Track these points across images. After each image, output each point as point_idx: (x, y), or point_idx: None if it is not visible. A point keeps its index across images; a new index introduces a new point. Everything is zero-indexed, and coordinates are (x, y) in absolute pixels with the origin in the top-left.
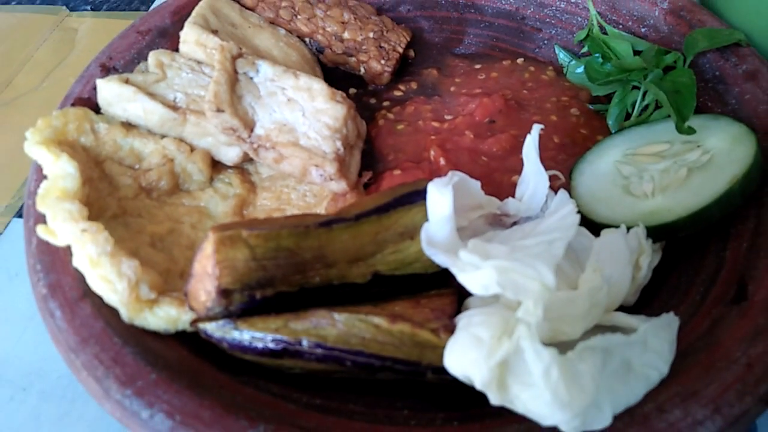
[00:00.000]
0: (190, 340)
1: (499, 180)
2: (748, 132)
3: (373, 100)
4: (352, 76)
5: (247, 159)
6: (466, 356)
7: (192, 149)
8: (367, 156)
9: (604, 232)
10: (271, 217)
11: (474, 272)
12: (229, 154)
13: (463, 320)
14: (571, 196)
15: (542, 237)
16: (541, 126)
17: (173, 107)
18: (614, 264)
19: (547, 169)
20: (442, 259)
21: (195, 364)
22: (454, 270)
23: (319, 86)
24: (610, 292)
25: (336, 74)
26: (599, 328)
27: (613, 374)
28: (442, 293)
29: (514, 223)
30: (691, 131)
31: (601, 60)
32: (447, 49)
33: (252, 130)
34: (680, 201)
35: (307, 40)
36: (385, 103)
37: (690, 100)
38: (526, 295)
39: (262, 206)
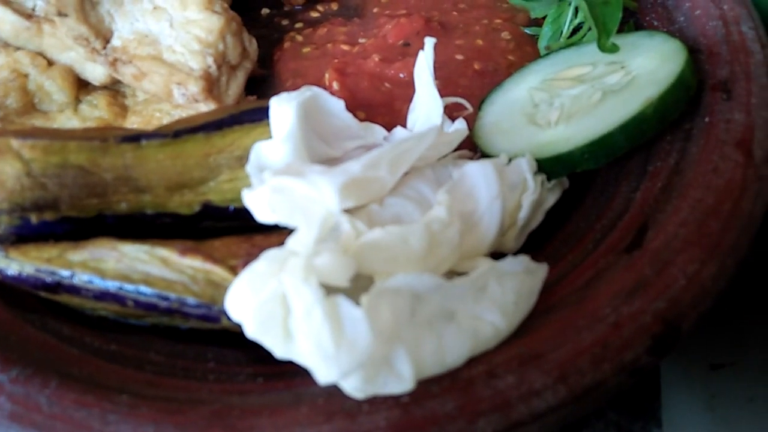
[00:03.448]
0: None
1: (399, 109)
2: (680, 48)
3: (285, 22)
4: None
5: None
6: (238, 295)
7: (51, 65)
8: (265, 81)
9: (473, 162)
10: (64, 128)
11: (253, 191)
12: (96, 72)
13: (264, 254)
14: (472, 128)
15: (367, 154)
16: (434, 40)
17: (28, 15)
18: (476, 198)
19: (459, 97)
20: (255, 181)
21: None
22: (244, 192)
23: None
24: (471, 233)
25: None
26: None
27: (425, 326)
28: (288, 231)
29: None
30: (613, 49)
31: None
32: None
33: (108, 41)
34: (582, 128)
35: None
36: (298, 25)
37: (616, 12)
38: (303, 221)
39: None
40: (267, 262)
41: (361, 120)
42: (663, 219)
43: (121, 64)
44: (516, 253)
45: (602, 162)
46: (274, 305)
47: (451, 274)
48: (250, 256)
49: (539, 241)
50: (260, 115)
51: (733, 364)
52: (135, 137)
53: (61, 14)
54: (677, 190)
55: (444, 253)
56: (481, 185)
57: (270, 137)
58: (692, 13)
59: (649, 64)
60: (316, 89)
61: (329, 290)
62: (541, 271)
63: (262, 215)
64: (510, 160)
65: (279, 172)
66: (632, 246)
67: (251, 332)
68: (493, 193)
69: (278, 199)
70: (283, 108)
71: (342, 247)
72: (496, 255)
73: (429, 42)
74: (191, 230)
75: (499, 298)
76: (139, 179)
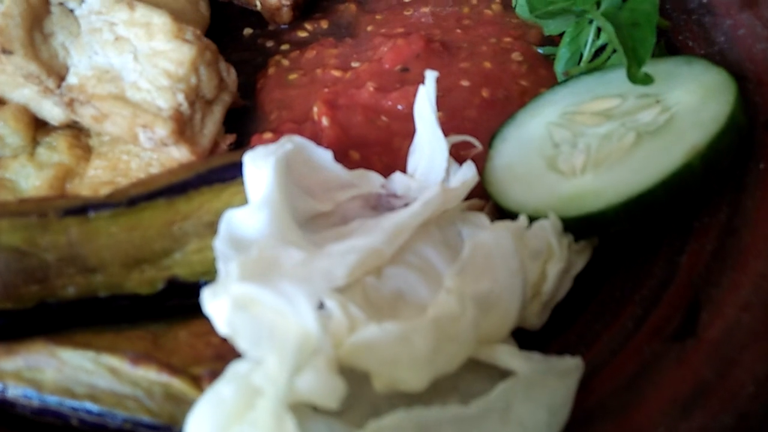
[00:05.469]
0: None
1: (399, 147)
2: (728, 81)
3: (270, 43)
4: (250, 13)
5: None
6: (199, 428)
7: (3, 104)
8: (247, 114)
9: (487, 230)
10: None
11: (214, 301)
12: (54, 111)
13: (235, 365)
14: (482, 170)
15: (353, 241)
16: (436, 73)
17: None
18: (494, 275)
19: (466, 133)
20: (222, 268)
21: None
22: (205, 292)
23: (161, 20)
24: (488, 316)
25: (231, 11)
26: (476, 368)
27: None
28: None
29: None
30: (647, 80)
31: None
32: None
33: (63, 79)
34: (615, 181)
35: None
36: (284, 47)
37: (649, 36)
38: (272, 346)
39: (92, 178)
40: (234, 388)
41: (356, 161)
42: (718, 297)
43: (78, 104)
44: (542, 329)
45: (639, 223)
46: None
47: (468, 361)
48: (219, 361)
49: (567, 312)
50: (232, 173)
51: None
52: (80, 209)
53: (6, 51)
54: (733, 258)
55: (455, 350)
56: (498, 259)
57: (243, 197)
58: (734, 32)
59: (690, 100)
60: (297, 140)
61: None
62: (575, 371)
63: (223, 332)
64: (530, 219)
65: (245, 275)
66: (684, 332)
67: None
68: (513, 268)
69: (241, 319)
70: (258, 167)
71: (333, 343)
72: (517, 331)
73: (430, 75)
74: (153, 310)
75: (529, 419)
76: (88, 258)
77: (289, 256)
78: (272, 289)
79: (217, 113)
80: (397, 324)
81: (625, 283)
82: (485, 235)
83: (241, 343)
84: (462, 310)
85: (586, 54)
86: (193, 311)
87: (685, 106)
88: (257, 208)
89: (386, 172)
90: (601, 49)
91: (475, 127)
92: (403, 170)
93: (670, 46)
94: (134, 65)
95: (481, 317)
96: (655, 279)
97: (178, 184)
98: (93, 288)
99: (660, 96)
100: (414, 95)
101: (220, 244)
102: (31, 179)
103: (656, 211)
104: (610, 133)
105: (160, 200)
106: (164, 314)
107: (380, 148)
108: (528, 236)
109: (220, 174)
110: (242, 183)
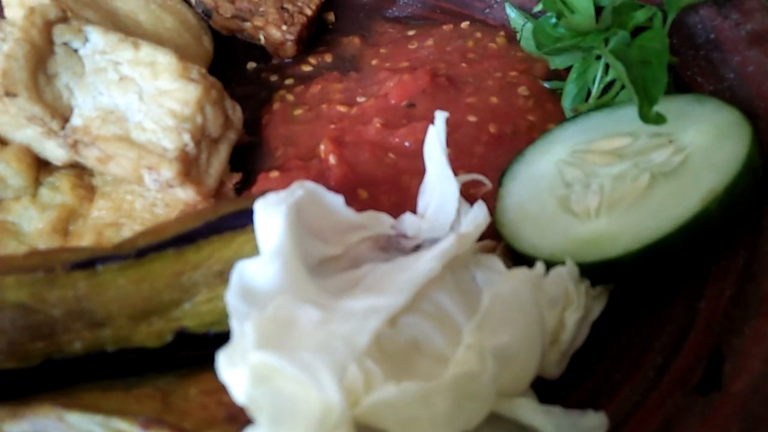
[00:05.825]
0: None
1: (407, 185)
2: (741, 121)
3: (274, 77)
4: (254, 47)
5: None
6: None
7: (5, 144)
8: (253, 151)
9: (504, 278)
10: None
11: (231, 370)
12: (57, 151)
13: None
14: (493, 210)
15: (373, 299)
16: (446, 114)
17: None
18: (513, 327)
19: (474, 170)
20: (236, 327)
21: None
22: (220, 357)
23: (166, 60)
24: (507, 369)
25: (235, 45)
26: (495, 422)
27: None
28: None
29: (418, 247)
30: (659, 120)
31: (554, 20)
32: (377, 12)
33: (67, 120)
34: (631, 225)
35: (192, 0)
36: (288, 81)
37: (660, 75)
38: (294, 422)
39: (96, 220)
40: None
41: (363, 199)
42: (741, 347)
43: (82, 146)
44: (560, 378)
45: (657, 269)
46: None
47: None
48: (232, 423)
49: (585, 360)
50: (243, 220)
51: None
52: (88, 262)
53: (10, 94)
54: (754, 306)
55: (476, 408)
56: (517, 311)
57: (254, 245)
58: (743, 69)
59: (703, 140)
60: (308, 185)
61: None
62: (599, 429)
63: (241, 402)
64: (546, 263)
65: (262, 340)
66: (707, 384)
67: None
68: (532, 320)
69: (261, 393)
70: (269, 215)
71: (349, 402)
72: (535, 380)
73: (440, 116)
74: (162, 363)
75: None
76: (95, 311)
77: (306, 315)
78: (292, 359)
79: (222, 152)
80: (416, 384)
81: (644, 330)
82: (503, 286)
83: (260, 417)
84: (482, 366)
85: (595, 90)
86: (202, 362)
87: (699, 147)
88: (269, 259)
89: (394, 210)
90: (609, 84)
91: (483, 164)
92: (412, 208)
93: (678, 81)
94: (139, 105)
95: (501, 371)
96: (675, 325)
97: (187, 234)
98: (100, 342)
99: (672, 136)
100: (421, 131)
101: (232, 297)
102: (33, 222)
103: (674, 256)
104: (624, 174)
105: (169, 251)
106: (172, 366)
107: (388, 186)
108: (545, 284)
109: (230, 222)
110: (253, 231)
